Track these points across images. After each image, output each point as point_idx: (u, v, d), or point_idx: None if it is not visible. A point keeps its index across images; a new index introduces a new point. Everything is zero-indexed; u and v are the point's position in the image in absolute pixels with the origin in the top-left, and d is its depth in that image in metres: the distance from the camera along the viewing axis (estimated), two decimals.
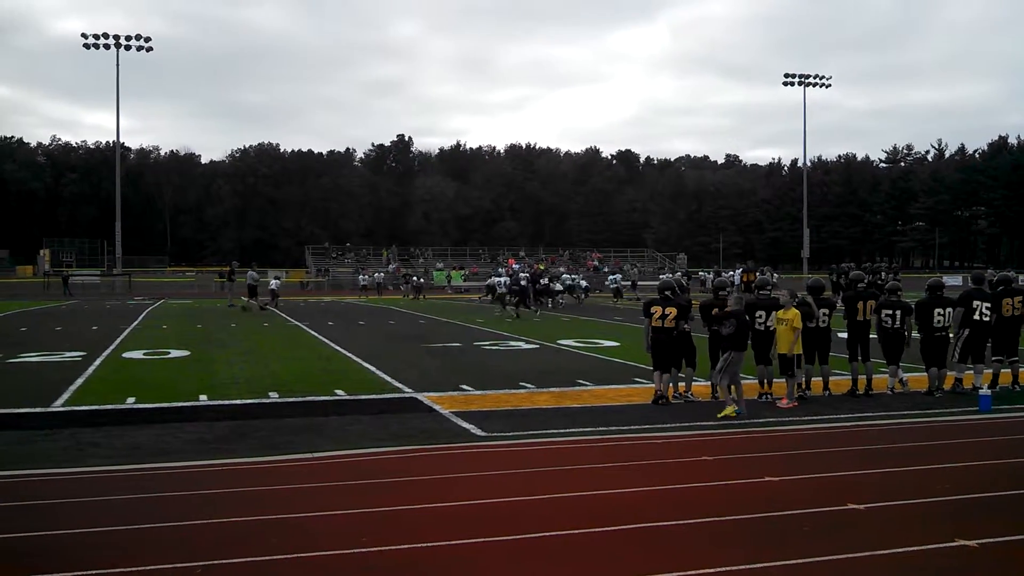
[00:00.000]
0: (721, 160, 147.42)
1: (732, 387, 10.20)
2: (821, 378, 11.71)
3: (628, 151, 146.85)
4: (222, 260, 79.03)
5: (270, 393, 11.78)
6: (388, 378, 13.27)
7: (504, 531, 5.66)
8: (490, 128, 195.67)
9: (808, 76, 67.62)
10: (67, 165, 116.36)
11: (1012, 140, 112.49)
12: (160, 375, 13.72)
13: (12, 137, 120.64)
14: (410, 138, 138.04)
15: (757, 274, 24.35)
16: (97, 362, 15.27)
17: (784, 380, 11.05)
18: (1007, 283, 12.31)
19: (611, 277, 39.16)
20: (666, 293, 11.13)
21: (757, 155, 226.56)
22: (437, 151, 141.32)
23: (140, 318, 27.50)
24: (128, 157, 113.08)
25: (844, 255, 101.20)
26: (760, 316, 11.27)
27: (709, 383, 11.53)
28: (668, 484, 7.05)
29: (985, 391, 10.90)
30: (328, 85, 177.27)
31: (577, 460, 7.98)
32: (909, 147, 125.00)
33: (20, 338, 20.30)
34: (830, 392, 11.65)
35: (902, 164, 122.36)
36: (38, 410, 10.49)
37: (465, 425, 9.59)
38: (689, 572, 4.89)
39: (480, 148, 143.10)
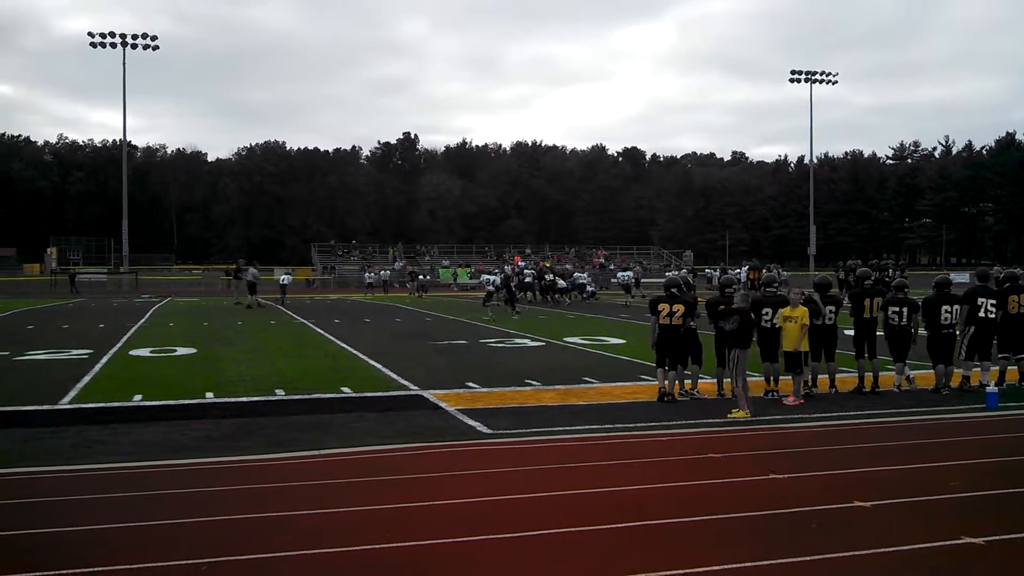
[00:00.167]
0: (727, 157, 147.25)
1: (743, 388, 10.15)
2: (828, 375, 11.69)
3: (634, 148, 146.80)
4: (228, 258, 79.27)
5: (276, 391, 11.81)
6: (394, 376, 13.28)
7: (510, 528, 5.67)
8: (496, 126, 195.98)
9: (814, 73, 67.37)
10: (74, 164, 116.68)
11: (1020, 136, 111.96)
12: (167, 373, 13.76)
13: (19, 136, 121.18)
14: (416, 136, 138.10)
15: (764, 271, 24.33)
16: (104, 360, 15.32)
17: (790, 377, 11.03)
18: (1014, 280, 12.27)
19: (620, 274, 39.07)
20: (672, 290, 11.11)
21: (763, 152, 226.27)
22: (443, 149, 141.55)
23: (147, 316, 27.56)
24: (135, 155, 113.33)
25: (851, 252, 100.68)
26: (767, 313, 11.25)
27: (715, 380, 11.53)
28: (674, 481, 7.04)
29: (992, 388, 10.86)
30: (334, 83, 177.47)
31: (583, 458, 7.98)
32: (916, 144, 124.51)
33: (27, 336, 20.37)
34: (836, 389, 11.62)
35: (909, 161, 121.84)
36: (45, 408, 10.54)
37: (471, 423, 9.59)
38: (696, 569, 4.89)
39: (486, 146, 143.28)
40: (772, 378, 11.36)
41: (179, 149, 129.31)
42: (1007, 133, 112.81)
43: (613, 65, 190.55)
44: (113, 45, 57.64)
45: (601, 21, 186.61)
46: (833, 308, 11.66)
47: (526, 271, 36.35)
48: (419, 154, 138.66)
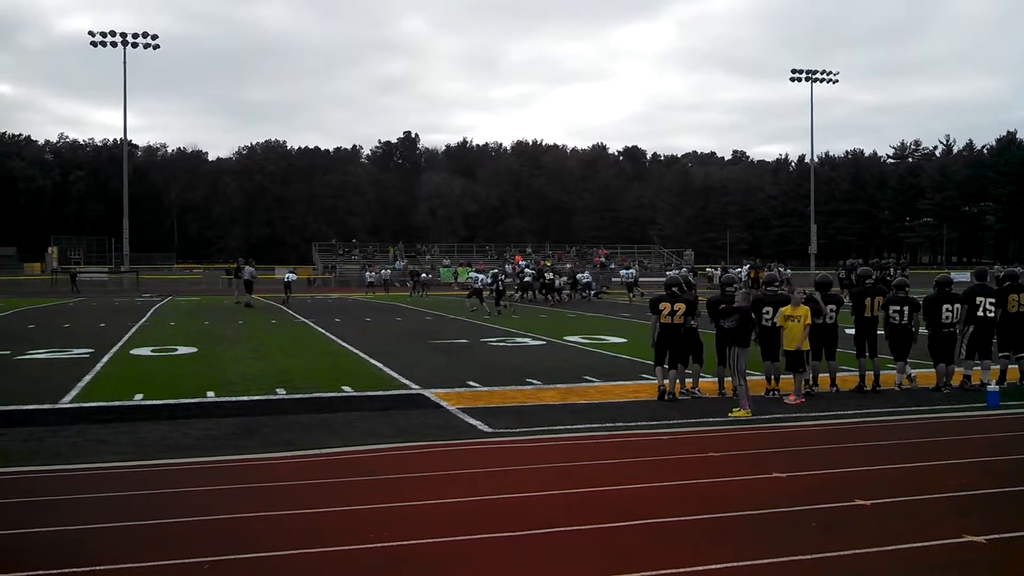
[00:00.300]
0: (728, 156, 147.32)
1: (744, 387, 10.14)
2: (828, 374, 11.69)
3: (635, 147, 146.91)
4: (229, 257, 79.29)
5: (277, 390, 11.81)
6: (395, 375, 13.28)
7: (511, 527, 5.67)
8: (496, 125, 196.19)
9: (815, 72, 67.22)
10: (74, 163, 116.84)
11: (1021, 135, 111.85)
12: (168, 372, 13.76)
13: (20, 135, 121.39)
14: (417, 135, 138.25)
15: (765, 270, 24.34)
16: (105, 359, 15.32)
17: (791, 376, 11.03)
18: (1014, 279, 12.27)
19: (623, 272, 39.04)
20: (673, 289, 11.12)
21: (764, 151, 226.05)
22: (444, 148, 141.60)
23: (148, 315, 27.57)
24: (135, 154, 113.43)
25: (852, 251, 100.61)
26: (767, 312, 11.25)
27: (716, 379, 11.54)
28: (675, 480, 7.04)
29: (993, 387, 10.86)
30: (335, 82, 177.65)
31: (584, 456, 7.99)
32: (917, 143, 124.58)
33: (28, 335, 20.37)
34: (837, 388, 11.62)
35: (910, 160, 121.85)
36: (46, 407, 10.54)
37: (472, 421, 9.60)
38: (697, 568, 4.89)
39: (487, 145, 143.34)
40: (773, 377, 11.37)
41: (180, 148, 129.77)
42: (1008, 132, 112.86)
43: (613, 64, 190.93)
44: (114, 44, 57.55)
45: (601, 20, 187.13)
46: (834, 307, 11.66)
47: (527, 271, 36.38)
48: (420, 153, 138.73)
